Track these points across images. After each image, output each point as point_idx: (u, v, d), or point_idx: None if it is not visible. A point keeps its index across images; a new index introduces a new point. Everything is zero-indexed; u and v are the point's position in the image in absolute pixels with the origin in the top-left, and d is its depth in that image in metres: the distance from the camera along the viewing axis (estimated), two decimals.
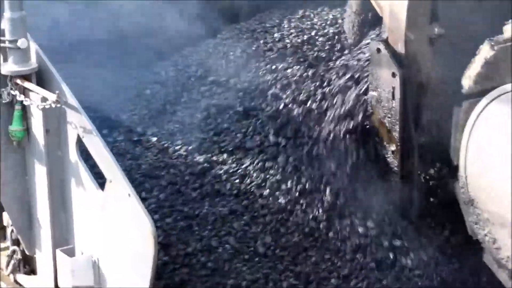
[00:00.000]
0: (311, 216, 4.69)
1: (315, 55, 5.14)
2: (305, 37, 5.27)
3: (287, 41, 5.33)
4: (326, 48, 5.12)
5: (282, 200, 4.76)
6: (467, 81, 4.17)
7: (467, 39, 4.38)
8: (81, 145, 3.88)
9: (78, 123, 3.79)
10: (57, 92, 3.74)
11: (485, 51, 4.08)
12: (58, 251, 3.97)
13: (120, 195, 3.67)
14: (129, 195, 3.62)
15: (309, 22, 5.38)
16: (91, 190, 3.81)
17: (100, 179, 3.85)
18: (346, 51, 5.01)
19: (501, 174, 4.01)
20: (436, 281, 4.53)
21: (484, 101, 4.08)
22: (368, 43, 4.71)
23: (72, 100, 3.79)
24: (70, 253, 3.95)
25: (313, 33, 5.25)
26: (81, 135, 3.79)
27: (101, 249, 3.85)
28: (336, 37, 5.10)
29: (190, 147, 5.05)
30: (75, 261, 3.88)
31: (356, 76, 4.73)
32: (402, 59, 4.40)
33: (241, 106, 5.18)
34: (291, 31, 5.38)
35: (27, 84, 3.87)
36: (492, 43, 4.05)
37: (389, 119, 4.49)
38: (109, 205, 3.74)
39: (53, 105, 3.74)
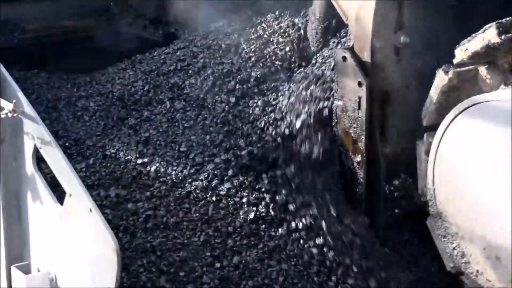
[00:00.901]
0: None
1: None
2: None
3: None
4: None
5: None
6: (426, 111, 4.07)
7: (433, 48, 4.26)
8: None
9: (35, 134, 3.47)
10: (14, 101, 3.44)
11: (439, 79, 3.98)
12: (13, 267, 3.63)
13: (81, 209, 3.34)
14: (90, 210, 3.29)
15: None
16: (49, 203, 3.49)
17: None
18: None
19: (469, 187, 3.85)
20: None
21: (451, 113, 3.90)
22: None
23: (29, 109, 3.48)
24: (26, 269, 3.61)
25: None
26: (39, 146, 3.47)
27: (59, 266, 3.51)
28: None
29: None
30: (31, 278, 3.55)
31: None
32: (368, 68, 4.18)
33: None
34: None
35: None
36: (446, 70, 3.94)
37: (355, 129, 4.29)
38: (68, 220, 3.41)
39: (10, 115, 3.43)
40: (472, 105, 3.78)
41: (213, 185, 4.51)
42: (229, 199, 4.45)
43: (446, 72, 3.94)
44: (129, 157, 4.54)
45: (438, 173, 3.99)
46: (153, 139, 4.66)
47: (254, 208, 4.41)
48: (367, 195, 4.33)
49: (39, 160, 3.57)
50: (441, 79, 3.96)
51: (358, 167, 4.28)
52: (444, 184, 3.98)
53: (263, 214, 4.40)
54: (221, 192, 4.46)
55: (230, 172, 4.55)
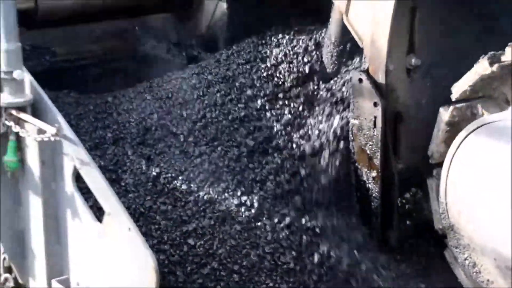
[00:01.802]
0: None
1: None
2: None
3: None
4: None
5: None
6: (433, 149, 4.07)
7: (442, 69, 4.22)
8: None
9: (75, 155, 3.43)
10: (56, 125, 3.40)
11: (442, 117, 3.99)
12: (54, 281, 3.59)
13: (119, 228, 3.32)
14: (129, 229, 3.27)
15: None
16: (88, 222, 3.44)
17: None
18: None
19: (481, 202, 3.81)
20: None
21: (463, 132, 3.87)
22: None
23: (68, 132, 3.45)
24: (66, 283, 3.57)
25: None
26: (78, 167, 3.43)
27: (99, 282, 3.47)
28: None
29: None
30: None
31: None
32: (383, 89, 4.16)
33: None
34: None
35: (22, 115, 3.51)
36: (447, 106, 3.95)
37: (370, 146, 4.25)
38: (107, 238, 3.37)
39: (52, 138, 3.38)
40: (481, 125, 3.76)
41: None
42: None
43: (447, 110, 3.94)
44: (138, 193, 4.43)
45: (450, 188, 3.94)
46: (164, 174, 4.51)
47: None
48: (382, 209, 4.28)
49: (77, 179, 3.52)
50: (443, 116, 3.96)
51: (373, 182, 4.24)
52: (456, 199, 3.94)
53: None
54: (232, 230, 4.33)
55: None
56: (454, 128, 3.94)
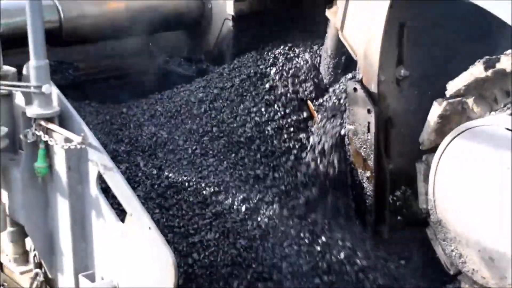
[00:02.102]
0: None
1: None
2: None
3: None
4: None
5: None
6: (424, 137, 4.11)
7: (428, 79, 4.29)
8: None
9: (99, 161, 3.46)
10: (82, 134, 3.42)
11: (435, 110, 4.04)
12: (80, 276, 3.62)
13: (140, 227, 3.34)
14: (149, 228, 3.30)
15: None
16: (111, 221, 3.47)
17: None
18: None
19: (466, 200, 3.91)
20: None
21: (449, 137, 3.96)
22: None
23: (93, 140, 3.47)
24: (91, 278, 3.60)
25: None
26: (102, 172, 3.46)
27: (122, 276, 3.50)
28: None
29: None
30: (97, 285, 3.56)
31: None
32: (375, 98, 4.22)
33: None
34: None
35: (50, 126, 3.52)
36: (440, 102, 4.00)
37: (365, 149, 4.31)
38: (129, 236, 3.41)
39: (78, 146, 3.42)
40: (467, 129, 3.83)
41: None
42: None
43: (440, 104, 3.99)
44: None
45: (438, 187, 4.02)
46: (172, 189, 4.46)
47: None
48: (375, 206, 4.34)
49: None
50: (436, 109, 4.01)
51: (367, 182, 4.31)
52: (443, 196, 4.01)
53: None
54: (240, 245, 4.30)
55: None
56: (445, 120, 4.00)
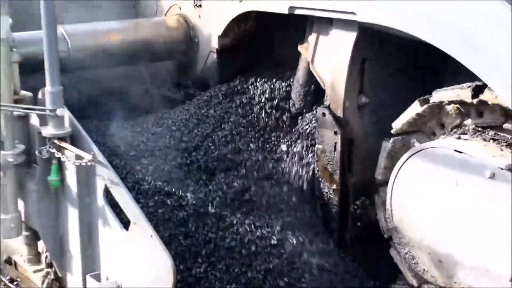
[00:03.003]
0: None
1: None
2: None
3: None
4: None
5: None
6: (378, 173, 3.94)
7: (385, 106, 4.04)
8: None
9: (106, 176, 3.19)
10: (92, 153, 3.17)
11: (384, 147, 3.86)
12: (88, 276, 3.34)
13: (143, 235, 3.09)
14: (151, 236, 3.05)
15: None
16: (116, 229, 3.20)
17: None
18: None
19: (418, 210, 3.71)
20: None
21: (404, 157, 3.74)
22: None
23: (101, 158, 3.21)
24: (97, 278, 3.33)
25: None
26: (109, 186, 3.20)
27: (125, 277, 3.22)
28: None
29: None
30: (103, 285, 3.27)
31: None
32: (341, 121, 3.99)
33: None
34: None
35: (63, 144, 3.27)
36: (387, 140, 3.84)
37: (331, 165, 4.07)
38: (132, 242, 3.14)
39: (88, 163, 3.15)
40: (419, 151, 3.61)
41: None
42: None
43: (388, 142, 3.81)
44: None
45: (394, 199, 3.79)
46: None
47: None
48: (340, 215, 4.11)
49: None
50: (385, 147, 3.83)
51: (333, 194, 4.06)
52: (398, 207, 3.79)
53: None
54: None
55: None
56: (394, 155, 3.81)
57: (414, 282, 3.92)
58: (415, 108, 3.68)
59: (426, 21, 3.33)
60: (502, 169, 3.24)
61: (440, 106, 3.59)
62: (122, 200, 3.13)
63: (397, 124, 3.80)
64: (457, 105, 3.51)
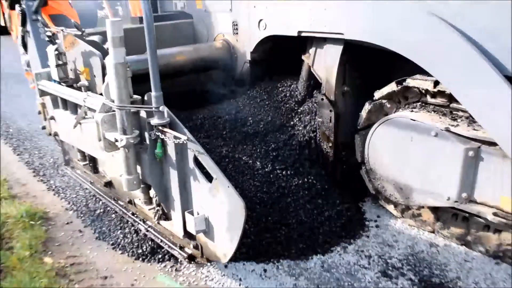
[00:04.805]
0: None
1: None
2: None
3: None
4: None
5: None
6: (360, 121, 3.79)
7: (361, 92, 3.88)
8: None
9: (195, 149, 3.02)
10: (187, 135, 3.00)
11: (366, 107, 3.74)
12: (186, 212, 3.20)
13: (222, 185, 2.94)
14: (228, 186, 2.91)
15: None
16: (202, 182, 3.05)
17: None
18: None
19: (386, 157, 3.65)
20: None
21: (377, 123, 3.65)
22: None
23: (191, 137, 3.02)
24: (191, 213, 3.19)
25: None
26: (197, 155, 3.03)
27: (210, 213, 3.10)
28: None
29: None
30: (196, 217, 3.13)
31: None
32: (333, 103, 3.85)
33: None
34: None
35: (165, 129, 3.08)
36: (369, 103, 3.71)
37: (328, 131, 3.94)
38: (214, 191, 3.00)
39: (184, 142, 2.98)
40: (386, 121, 3.55)
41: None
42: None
43: (369, 104, 3.70)
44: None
45: (369, 149, 3.73)
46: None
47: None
48: (333, 161, 4.00)
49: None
50: (366, 107, 3.72)
51: (329, 149, 3.96)
52: (372, 154, 3.73)
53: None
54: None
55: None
56: (371, 113, 3.70)
57: (373, 192, 3.89)
58: (392, 86, 3.55)
59: (391, 35, 3.18)
60: (442, 130, 3.21)
61: (408, 87, 3.46)
62: (207, 163, 2.97)
63: (378, 94, 3.67)
64: (420, 89, 3.41)
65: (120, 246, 3.64)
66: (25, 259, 3.52)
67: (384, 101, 3.65)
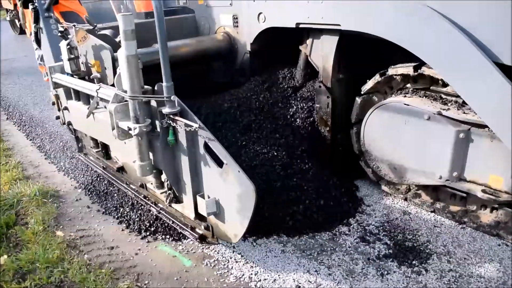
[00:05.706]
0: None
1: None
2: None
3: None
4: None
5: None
6: (353, 116, 3.68)
7: (354, 79, 3.68)
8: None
9: (205, 135, 2.83)
10: (198, 123, 2.79)
11: (357, 99, 3.59)
12: (197, 196, 3.03)
13: (232, 170, 2.76)
14: (238, 171, 2.73)
15: None
16: (213, 167, 2.86)
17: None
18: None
19: (381, 139, 3.49)
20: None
21: (371, 109, 3.49)
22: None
23: (202, 125, 2.82)
24: (202, 196, 3.01)
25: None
26: (207, 141, 2.84)
27: (221, 196, 2.92)
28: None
29: None
30: (207, 200, 2.95)
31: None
32: (330, 89, 3.67)
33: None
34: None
35: (176, 118, 2.87)
36: (359, 95, 3.55)
37: (326, 116, 3.76)
38: (225, 175, 2.81)
39: (196, 129, 2.78)
40: (381, 105, 3.38)
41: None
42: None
43: (359, 96, 3.57)
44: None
45: (366, 133, 3.56)
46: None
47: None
48: (331, 147, 3.83)
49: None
50: (358, 99, 3.59)
51: (327, 133, 3.78)
52: (368, 137, 3.56)
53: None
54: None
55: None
56: (362, 107, 3.57)
57: (374, 178, 3.76)
58: (376, 78, 3.42)
59: (384, 25, 2.98)
60: (434, 114, 3.06)
61: (391, 76, 3.33)
62: (217, 149, 2.78)
63: (365, 88, 3.54)
64: (402, 76, 3.28)
65: (125, 220, 3.57)
66: (39, 233, 3.51)
67: (371, 94, 3.52)
